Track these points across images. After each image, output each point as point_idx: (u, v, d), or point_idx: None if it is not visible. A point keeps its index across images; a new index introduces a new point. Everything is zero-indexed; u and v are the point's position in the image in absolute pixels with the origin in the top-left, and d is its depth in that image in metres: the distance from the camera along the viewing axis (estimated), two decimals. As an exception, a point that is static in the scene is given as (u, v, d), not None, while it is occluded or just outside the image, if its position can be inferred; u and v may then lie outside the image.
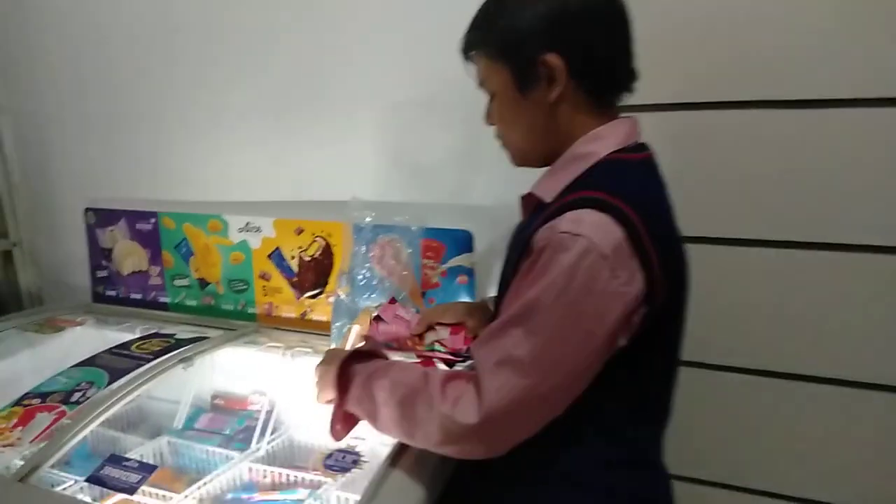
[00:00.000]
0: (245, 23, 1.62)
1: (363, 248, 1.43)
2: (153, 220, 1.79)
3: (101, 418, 1.25)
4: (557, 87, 0.89)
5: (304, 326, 1.65)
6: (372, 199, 1.44)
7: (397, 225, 1.40)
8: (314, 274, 1.64)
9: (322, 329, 1.62)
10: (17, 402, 1.32)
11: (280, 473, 1.35)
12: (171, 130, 1.78)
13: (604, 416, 0.89)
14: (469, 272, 1.47)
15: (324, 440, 1.50)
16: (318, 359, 1.49)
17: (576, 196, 0.85)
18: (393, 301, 1.32)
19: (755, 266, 1.29)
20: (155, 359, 1.44)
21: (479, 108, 1.01)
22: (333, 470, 1.26)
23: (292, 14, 1.57)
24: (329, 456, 1.27)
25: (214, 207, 1.73)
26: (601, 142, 0.91)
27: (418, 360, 1.20)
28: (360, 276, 1.43)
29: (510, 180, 1.39)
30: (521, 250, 0.89)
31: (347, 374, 1.01)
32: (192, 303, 1.80)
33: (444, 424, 0.85)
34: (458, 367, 1.16)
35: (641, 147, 0.94)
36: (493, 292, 1.48)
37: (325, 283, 1.63)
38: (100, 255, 1.90)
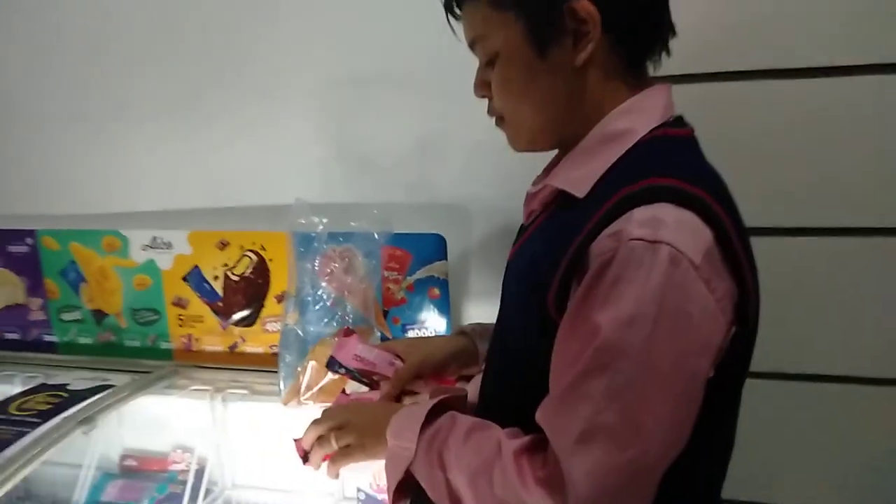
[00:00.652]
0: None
1: (312, 264, 1.17)
2: (30, 241, 1.47)
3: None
4: (589, 45, 0.70)
5: (236, 362, 1.38)
6: (319, 201, 1.18)
7: (355, 231, 1.15)
8: (244, 297, 1.37)
9: (259, 364, 1.35)
10: None
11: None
12: (52, 129, 1.46)
13: (691, 471, 0.69)
14: (442, 284, 1.24)
15: (276, 497, 1.26)
16: (258, 403, 1.25)
17: (636, 187, 0.64)
18: (348, 332, 1.07)
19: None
20: (44, 422, 1.13)
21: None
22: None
23: (200, -25, 1.28)
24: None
25: (110, 221, 1.43)
26: (639, 116, 0.72)
27: None
28: (310, 299, 1.17)
29: (488, 171, 1.21)
30: (549, 266, 0.69)
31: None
32: (86, 341, 1.49)
33: None
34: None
35: (681, 122, 0.76)
36: (471, 310, 1.29)
37: (260, 307, 1.36)
38: (-42, 288, 1.52)
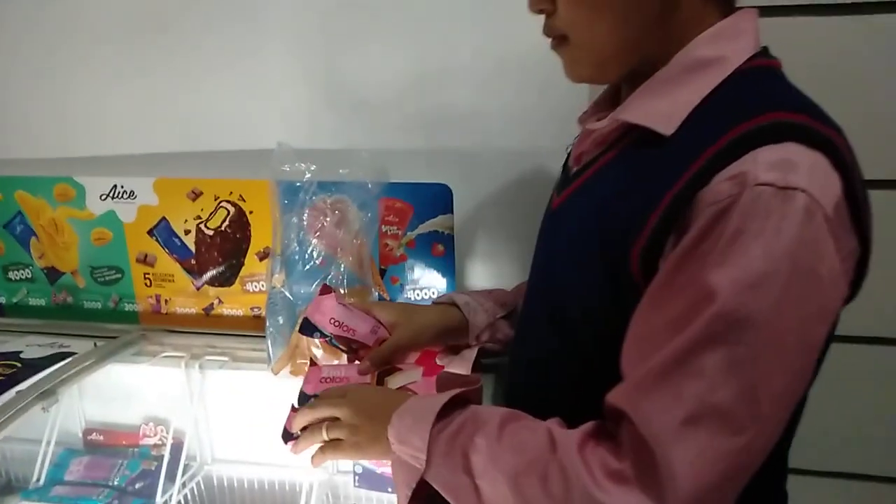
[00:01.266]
0: None
1: (299, 217, 1.04)
2: (-33, 189, 1.30)
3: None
4: None
5: (212, 325, 1.26)
6: (305, 147, 1.05)
7: (346, 181, 1.03)
8: (221, 253, 1.24)
9: (239, 327, 1.24)
10: None
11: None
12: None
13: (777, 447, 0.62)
14: (447, 240, 1.13)
15: (262, 471, 1.16)
16: (239, 371, 1.14)
17: (755, 123, 0.55)
18: (326, 289, 0.94)
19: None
20: (-6, 398, 1.00)
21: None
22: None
23: None
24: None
25: (62, 166, 1.28)
26: (732, 43, 0.62)
27: None
28: (297, 257, 1.05)
29: (501, 112, 1.09)
30: (630, 216, 0.59)
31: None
32: (38, 303, 1.34)
33: None
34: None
35: (768, 53, 0.66)
36: (479, 269, 1.18)
37: (239, 266, 1.23)
38: None
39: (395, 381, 0.93)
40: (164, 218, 1.24)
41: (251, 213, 1.20)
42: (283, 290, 1.04)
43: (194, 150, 1.23)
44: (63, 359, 1.12)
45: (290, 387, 0.96)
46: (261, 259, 1.22)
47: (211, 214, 1.22)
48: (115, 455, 1.21)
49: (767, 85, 0.60)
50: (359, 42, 1.12)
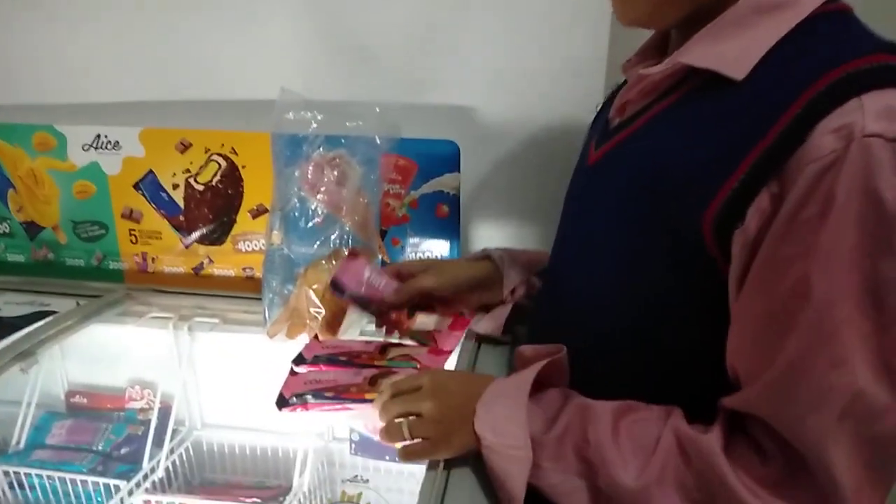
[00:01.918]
0: None
1: (301, 172, 0.99)
2: (-61, 136, 1.23)
3: None
4: None
5: (202, 286, 1.21)
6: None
7: (354, 136, 0.98)
8: (211, 210, 1.19)
9: (230, 288, 1.20)
10: None
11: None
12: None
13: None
14: (452, 201, 1.09)
15: (255, 437, 1.13)
16: (230, 334, 1.10)
17: (853, 66, 0.50)
18: (354, 254, 0.91)
19: None
20: (-30, 357, 0.96)
21: None
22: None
23: None
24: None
25: (42, 114, 1.21)
26: None
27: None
28: (297, 214, 1.00)
29: (512, 66, 1.03)
30: (700, 172, 0.54)
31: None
32: (17, 259, 1.29)
33: None
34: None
35: None
36: (485, 232, 1.14)
37: (231, 223, 1.18)
38: None
39: (422, 322, 0.92)
40: (150, 171, 1.18)
41: (244, 167, 1.15)
42: (282, 247, 0.99)
43: (184, 98, 1.16)
44: (43, 318, 1.07)
45: (285, 350, 0.92)
46: (254, 217, 1.17)
47: (201, 168, 1.16)
48: (100, 419, 1.18)
49: (852, 28, 0.55)
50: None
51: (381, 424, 0.72)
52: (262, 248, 1.08)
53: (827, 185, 0.48)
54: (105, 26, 1.16)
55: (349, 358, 0.87)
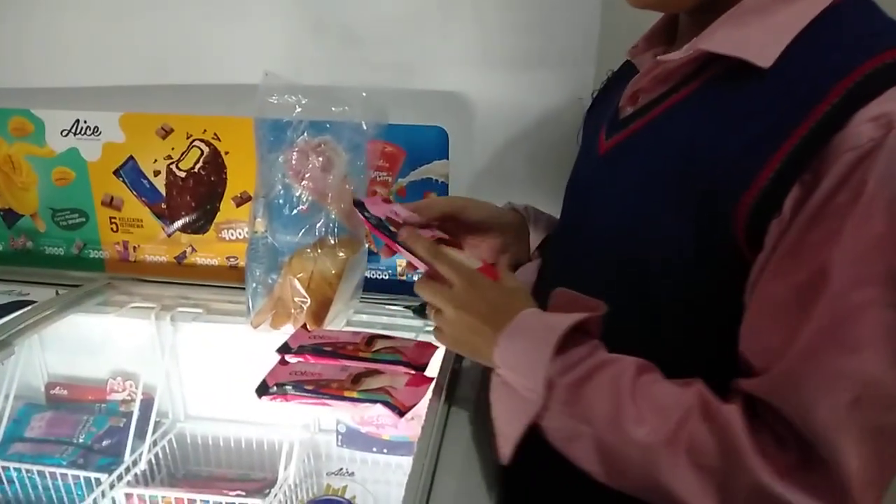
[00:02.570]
0: None
1: (285, 158, 0.98)
2: (-89, 121, 1.21)
3: None
4: None
5: (185, 275, 1.20)
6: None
7: (340, 121, 0.96)
8: (194, 197, 1.17)
9: (213, 277, 1.19)
10: None
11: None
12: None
13: None
14: (441, 188, 1.08)
15: (239, 429, 1.12)
16: (214, 324, 1.08)
17: (889, 56, 0.50)
18: (387, 201, 0.82)
19: None
20: (-55, 348, 0.94)
21: None
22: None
23: None
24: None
25: (20, 98, 1.18)
26: None
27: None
28: (282, 202, 0.99)
29: (502, 52, 1.02)
30: (729, 160, 0.54)
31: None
32: (-6, 247, 1.26)
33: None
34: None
35: None
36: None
37: (214, 211, 1.17)
38: None
39: (379, 343, 0.89)
40: (131, 157, 1.17)
41: (227, 153, 1.13)
42: (265, 235, 0.98)
43: (165, 82, 1.13)
44: (21, 307, 1.05)
45: (270, 341, 0.91)
46: (238, 205, 1.15)
47: (183, 154, 1.15)
48: (81, 411, 1.16)
49: (876, 16, 0.55)
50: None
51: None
52: (246, 236, 1.06)
53: (861, 173, 0.48)
54: (85, 8, 1.13)
55: (335, 349, 0.86)
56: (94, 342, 1.16)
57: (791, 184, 0.51)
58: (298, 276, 0.93)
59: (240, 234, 1.16)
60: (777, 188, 0.51)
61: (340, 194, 1.01)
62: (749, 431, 0.51)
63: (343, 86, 1.04)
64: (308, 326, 0.94)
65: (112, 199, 1.19)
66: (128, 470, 1.05)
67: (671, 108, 0.61)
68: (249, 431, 1.17)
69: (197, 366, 1.17)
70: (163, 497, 1.00)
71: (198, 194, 1.17)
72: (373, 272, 1.13)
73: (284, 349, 0.87)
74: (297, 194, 0.99)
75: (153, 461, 1.10)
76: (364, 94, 0.97)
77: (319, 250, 0.94)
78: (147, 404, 1.11)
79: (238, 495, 1.01)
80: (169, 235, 1.20)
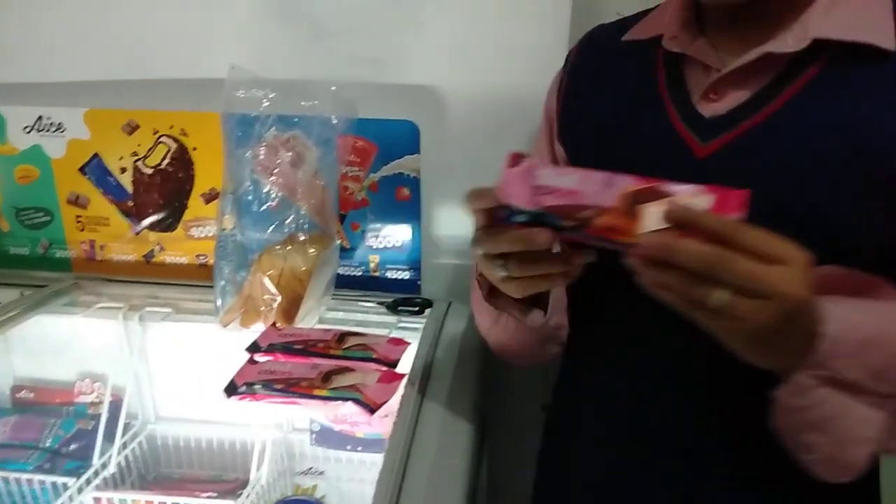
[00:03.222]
0: None
1: (253, 153, 0.97)
2: None
3: None
4: None
5: (153, 274, 1.19)
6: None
7: (309, 115, 0.96)
8: (161, 194, 1.16)
9: (182, 276, 1.18)
10: None
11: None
12: None
13: None
14: (413, 183, 1.07)
15: (211, 430, 1.11)
16: (184, 323, 1.07)
17: None
18: (516, 158, 0.57)
19: None
20: None
21: None
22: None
23: None
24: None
25: (-22, 94, 1.15)
26: None
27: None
28: (251, 198, 0.98)
29: (474, 45, 1.02)
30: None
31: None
32: (-44, 247, 1.24)
33: None
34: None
35: None
36: (448, 214, 1.12)
37: (182, 208, 1.15)
38: None
39: (351, 340, 0.88)
40: (96, 154, 1.15)
41: (195, 149, 1.12)
42: (234, 233, 0.97)
43: (131, 77, 1.11)
44: (-15, 307, 1.03)
45: (240, 339, 0.90)
46: (207, 202, 1.14)
47: (150, 151, 1.13)
48: (48, 414, 1.14)
49: None
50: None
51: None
52: (215, 234, 1.05)
53: None
54: (47, 2, 1.11)
55: (305, 346, 0.85)
56: (61, 343, 1.14)
57: None
58: (268, 273, 0.92)
59: (209, 231, 1.15)
60: None
61: (311, 190, 1.01)
62: None
63: (312, 80, 1.03)
64: (279, 324, 0.93)
65: (77, 197, 1.17)
66: (96, 474, 1.03)
67: (795, 97, 0.61)
68: (221, 432, 1.15)
69: (167, 366, 1.15)
70: (133, 500, 0.99)
71: (165, 191, 1.15)
72: (345, 268, 1.13)
73: (254, 348, 0.86)
74: (266, 190, 0.99)
75: (123, 464, 1.08)
76: (333, 88, 0.97)
77: (289, 247, 0.93)
78: (116, 406, 1.09)
79: (210, 497, 1.00)
80: (136, 234, 1.18)
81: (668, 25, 0.68)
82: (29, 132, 1.15)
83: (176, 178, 1.14)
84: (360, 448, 1.10)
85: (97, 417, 1.09)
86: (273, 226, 0.97)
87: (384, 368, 0.82)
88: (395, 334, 0.98)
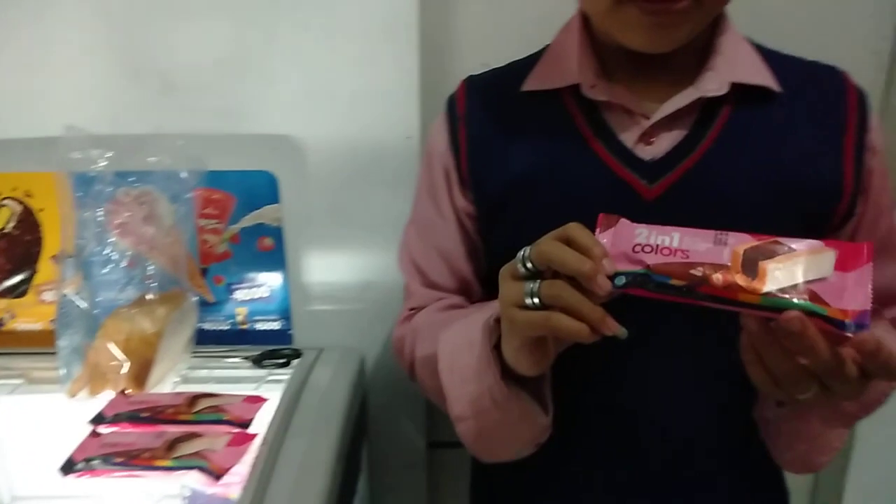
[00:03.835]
0: None
1: (96, 213, 0.93)
2: None
3: None
4: None
5: (4, 343, 1.11)
6: (104, 132, 0.93)
7: (154, 171, 0.93)
8: (9, 259, 1.10)
9: (36, 344, 1.10)
10: None
11: None
12: None
13: None
14: (275, 233, 1.06)
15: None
16: (38, 395, 1.01)
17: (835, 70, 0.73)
18: (610, 220, 0.56)
19: None
20: None
21: None
22: None
23: None
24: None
25: None
26: None
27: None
28: (96, 259, 0.94)
29: (326, 93, 1.02)
30: (816, 170, 0.69)
31: None
32: None
33: None
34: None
35: None
36: (313, 260, 1.10)
37: (32, 273, 1.09)
38: None
39: (202, 403, 0.85)
40: (-67, 220, 1.08)
41: (41, 210, 1.07)
42: (77, 296, 0.92)
43: (-35, 138, 1.06)
44: None
45: (90, 410, 0.86)
46: (58, 264, 1.09)
47: (-6, 214, 1.07)
48: None
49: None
50: (167, 13, 1.01)
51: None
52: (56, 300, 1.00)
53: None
54: None
55: (153, 414, 0.82)
56: None
57: (860, 177, 0.69)
58: (114, 338, 0.88)
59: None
60: (857, 183, 0.69)
61: (165, 246, 0.98)
62: None
63: (160, 134, 1.01)
64: (129, 391, 0.89)
65: (-86, 266, 1.09)
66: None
67: (721, 136, 0.68)
68: (87, 506, 1.08)
69: (21, 441, 1.08)
70: None
71: (13, 256, 1.09)
72: (211, 323, 1.09)
73: (98, 420, 0.82)
74: (117, 250, 0.95)
75: (-27, 554, 1.00)
76: (180, 143, 0.95)
77: (136, 309, 0.90)
78: (-38, 491, 1.01)
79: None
80: (-17, 302, 1.11)
81: (583, 74, 0.69)
82: None
83: (23, 242, 1.08)
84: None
85: (-60, 505, 1.01)
86: (123, 286, 0.93)
87: (236, 430, 0.79)
88: (263, 388, 0.95)
